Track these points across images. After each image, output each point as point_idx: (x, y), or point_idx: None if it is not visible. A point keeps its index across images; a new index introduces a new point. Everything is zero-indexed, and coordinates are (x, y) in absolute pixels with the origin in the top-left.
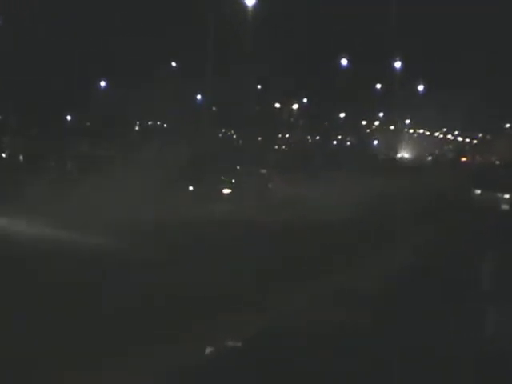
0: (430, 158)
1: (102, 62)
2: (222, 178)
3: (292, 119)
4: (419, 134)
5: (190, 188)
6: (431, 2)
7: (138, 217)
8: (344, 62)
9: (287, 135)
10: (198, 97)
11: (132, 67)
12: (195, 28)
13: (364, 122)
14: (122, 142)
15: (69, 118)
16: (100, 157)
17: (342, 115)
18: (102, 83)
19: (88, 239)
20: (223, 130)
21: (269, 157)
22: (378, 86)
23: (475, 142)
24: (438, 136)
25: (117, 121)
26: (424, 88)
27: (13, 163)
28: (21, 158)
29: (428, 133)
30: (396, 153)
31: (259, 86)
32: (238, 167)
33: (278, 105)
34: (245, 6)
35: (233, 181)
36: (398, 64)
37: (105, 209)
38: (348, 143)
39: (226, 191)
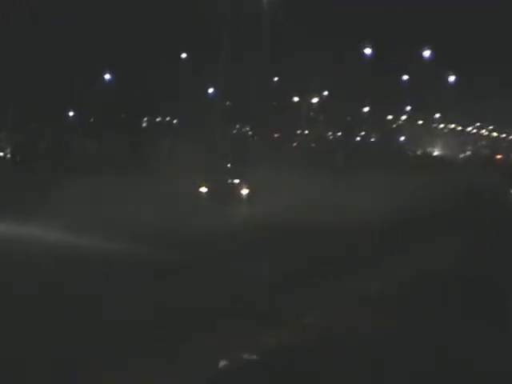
0: (462, 155)
1: (107, 55)
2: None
3: (312, 114)
4: (450, 129)
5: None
6: None
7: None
8: (368, 51)
9: (306, 131)
10: (210, 90)
11: (138, 60)
12: (207, 17)
13: (390, 117)
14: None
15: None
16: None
17: (366, 109)
18: (107, 76)
19: None
20: (237, 126)
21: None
22: (405, 77)
23: None
24: (470, 131)
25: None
26: (456, 79)
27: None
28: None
29: (460, 128)
30: (424, 149)
31: (276, 79)
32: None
33: (296, 98)
34: None
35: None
36: (426, 53)
37: None
38: (372, 139)
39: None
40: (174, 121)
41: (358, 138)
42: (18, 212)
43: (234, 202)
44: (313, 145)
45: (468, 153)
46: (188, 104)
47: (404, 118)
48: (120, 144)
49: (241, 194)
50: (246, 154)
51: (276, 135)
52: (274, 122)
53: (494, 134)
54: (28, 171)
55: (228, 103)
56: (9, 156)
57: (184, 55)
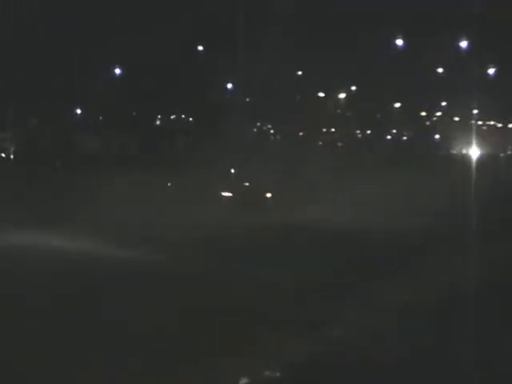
0: (502, 154)
1: (117, 50)
2: None
3: (339, 110)
4: (489, 125)
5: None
6: None
7: None
8: (400, 42)
9: (333, 129)
10: (229, 85)
11: (150, 53)
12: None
13: (423, 113)
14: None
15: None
16: None
17: (398, 105)
18: (117, 71)
19: None
20: (258, 124)
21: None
22: (440, 70)
23: None
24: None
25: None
26: (496, 72)
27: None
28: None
29: (500, 125)
30: (461, 148)
31: (300, 72)
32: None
33: (321, 94)
34: None
35: None
36: (463, 43)
37: None
38: (404, 138)
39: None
40: (190, 119)
41: (389, 137)
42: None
43: (264, 207)
44: (340, 143)
45: (510, 152)
46: (205, 101)
47: (439, 114)
48: (131, 143)
49: (266, 198)
50: (264, 155)
51: (300, 133)
52: (298, 120)
53: None
54: (47, 172)
55: (248, 99)
56: (12, 156)
57: (200, 48)
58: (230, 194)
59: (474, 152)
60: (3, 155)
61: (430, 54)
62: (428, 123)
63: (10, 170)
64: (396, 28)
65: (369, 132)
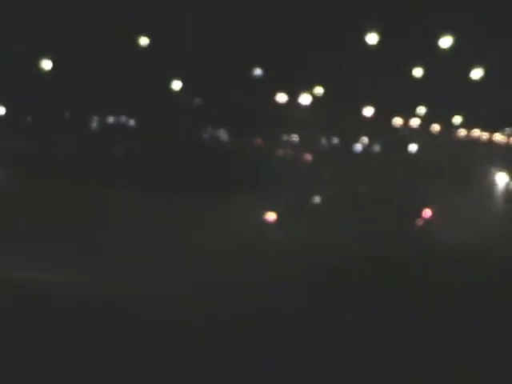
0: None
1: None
2: None
3: (301, 115)
4: (473, 136)
5: None
6: None
7: None
8: (373, 38)
9: (296, 136)
10: (176, 84)
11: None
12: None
13: (399, 120)
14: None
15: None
16: None
17: (370, 111)
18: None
19: None
20: (210, 129)
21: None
22: (419, 71)
23: None
24: (500, 140)
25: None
26: (481, 73)
27: None
28: None
29: (485, 135)
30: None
31: (258, 72)
32: None
33: (283, 96)
34: None
35: None
36: (446, 41)
37: None
38: (377, 147)
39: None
40: (131, 121)
41: (360, 146)
42: None
43: None
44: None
45: None
46: (149, 100)
47: (416, 121)
48: (64, 147)
49: None
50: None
51: (259, 141)
52: (254, 125)
53: None
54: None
55: (197, 100)
56: None
57: (145, 41)
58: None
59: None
60: None
61: (407, 54)
62: (404, 132)
63: None
64: (370, 24)
65: (336, 140)
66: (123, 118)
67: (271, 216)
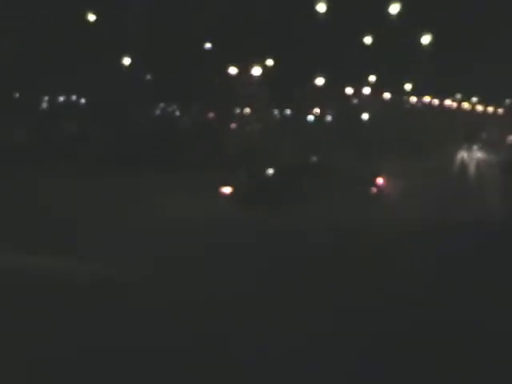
0: None
1: None
2: None
3: (253, 87)
4: (425, 103)
5: None
6: None
7: None
8: (321, 7)
9: (247, 109)
10: (126, 60)
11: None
12: None
13: (350, 90)
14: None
15: None
16: None
17: (320, 81)
18: None
19: None
20: (162, 105)
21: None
22: (368, 39)
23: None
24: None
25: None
26: (432, 40)
27: None
28: None
29: (437, 101)
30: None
31: (208, 45)
32: None
33: (234, 69)
34: None
35: None
36: (394, 8)
37: None
38: (329, 118)
39: None
40: (82, 100)
41: (312, 117)
42: None
43: None
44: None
45: None
46: (99, 78)
47: (367, 90)
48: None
49: None
50: None
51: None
52: (207, 99)
53: (479, 108)
54: None
55: (149, 77)
56: None
57: (92, 18)
58: None
59: None
60: None
61: (357, 21)
62: (355, 101)
63: None
64: None
65: (288, 112)
66: (73, 97)
67: (227, 190)
